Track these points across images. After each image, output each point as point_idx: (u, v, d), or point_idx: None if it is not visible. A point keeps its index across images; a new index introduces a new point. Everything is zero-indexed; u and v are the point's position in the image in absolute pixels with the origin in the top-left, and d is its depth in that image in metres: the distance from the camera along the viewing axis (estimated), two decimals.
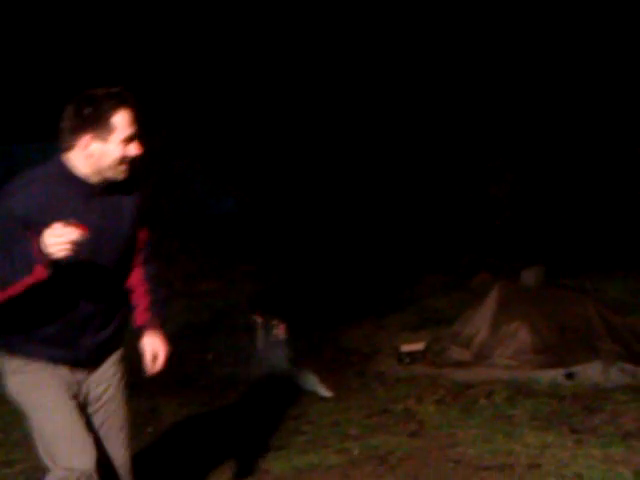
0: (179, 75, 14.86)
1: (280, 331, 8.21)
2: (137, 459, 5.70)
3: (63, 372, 3.75)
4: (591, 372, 7.15)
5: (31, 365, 3.70)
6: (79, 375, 3.82)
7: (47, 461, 3.68)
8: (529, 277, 8.47)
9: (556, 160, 13.78)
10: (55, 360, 3.71)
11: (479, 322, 7.96)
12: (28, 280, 3.40)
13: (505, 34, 14.36)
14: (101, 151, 3.57)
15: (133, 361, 8.10)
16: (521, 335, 7.62)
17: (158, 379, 7.48)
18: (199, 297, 10.78)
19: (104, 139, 3.56)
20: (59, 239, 3.28)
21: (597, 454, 5.47)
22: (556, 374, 7.17)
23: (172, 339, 8.86)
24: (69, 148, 3.61)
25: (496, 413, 6.44)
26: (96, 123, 3.55)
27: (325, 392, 7.08)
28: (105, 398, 3.96)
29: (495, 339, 7.75)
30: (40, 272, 3.37)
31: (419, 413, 6.51)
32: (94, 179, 3.63)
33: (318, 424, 6.39)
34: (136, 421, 6.44)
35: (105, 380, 3.96)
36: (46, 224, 3.32)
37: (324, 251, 12.06)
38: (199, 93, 14.90)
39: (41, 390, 3.72)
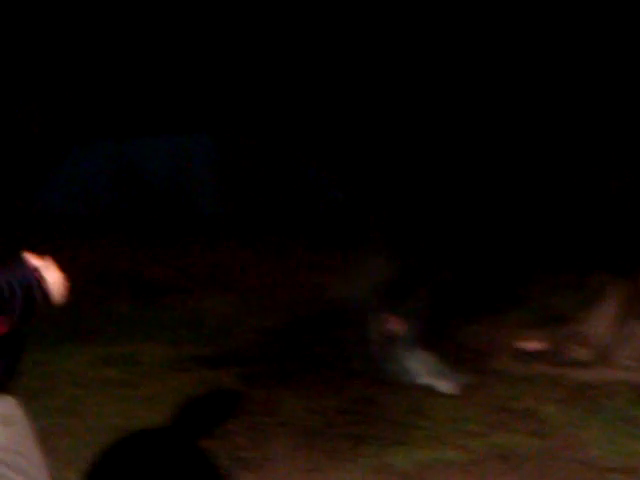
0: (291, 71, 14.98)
1: (396, 325, 8.16)
2: (258, 449, 5.82)
3: None
4: None
5: None
6: None
7: None
8: None
9: None
10: None
11: (600, 321, 7.83)
12: None
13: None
14: None
15: (248, 351, 8.28)
16: None
17: (272, 371, 7.63)
18: (310, 289, 10.81)
19: None
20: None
21: None
22: None
23: (287, 331, 9.05)
24: None
25: (619, 414, 6.32)
26: None
27: (447, 388, 7.00)
28: None
29: (616, 339, 7.63)
30: None
31: (539, 412, 6.42)
32: None
33: (436, 420, 6.34)
34: (255, 411, 6.56)
35: None
36: None
37: (439, 246, 11.95)
38: (309, 88, 14.98)
39: None
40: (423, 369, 7.31)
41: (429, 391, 6.99)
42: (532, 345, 7.87)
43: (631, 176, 13.21)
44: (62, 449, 5.54)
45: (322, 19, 15.26)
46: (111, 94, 16.87)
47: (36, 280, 2.79)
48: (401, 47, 14.92)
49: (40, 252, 2.93)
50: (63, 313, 9.94)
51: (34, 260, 2.84)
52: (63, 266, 2.92)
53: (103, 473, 5.32)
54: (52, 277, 2.85)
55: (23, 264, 2.82)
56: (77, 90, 16.91)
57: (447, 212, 12.65)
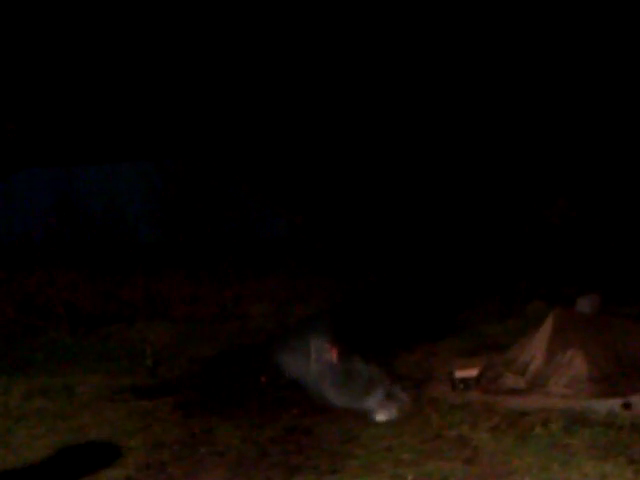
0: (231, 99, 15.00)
1: (332, 355, 8.20)
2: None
3: None
4: None
5: None
6: None
7: None
8: (585, 305, 8.34)
9: (610, 185, 13.68)
10: None
11: (534, 349, 7.87)
12: None
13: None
14: None
15: (187, 380, 8.25)
16: (577, 363, 7.53)
17: (212, 400, 7.61)
18: (252, 319, 10.86)
19: None
20: None
21: None
22: (613, 404, 7.06)
23: (225, 361, 9.03)
24: None
25: (552, 442, 6.34)
26: None
27: (382, 416, 7.03)
28: None
29: (550, 367, 7.66)
30: None
31: (473, 440, 6.43)
32: None
33: (371, 448, 6.34)
34: (190, 441, 6.54)
35: None
36: None
37: (376, 276, 12.03)
38: (250, 119, 15.02)
39: None
40: (360, 397, 7.33)
41: (365, 419, 7.00)
42: (467, 373, 7.91)
43: (564, 207, 13.41)
44: None
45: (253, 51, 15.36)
46: (52, 123, 16.76)
47: None
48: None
49: None
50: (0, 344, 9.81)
51: None
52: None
53: None
54: None
55: None
56: (18, 119, 16.78)
57: (385, 240, 12.74)
